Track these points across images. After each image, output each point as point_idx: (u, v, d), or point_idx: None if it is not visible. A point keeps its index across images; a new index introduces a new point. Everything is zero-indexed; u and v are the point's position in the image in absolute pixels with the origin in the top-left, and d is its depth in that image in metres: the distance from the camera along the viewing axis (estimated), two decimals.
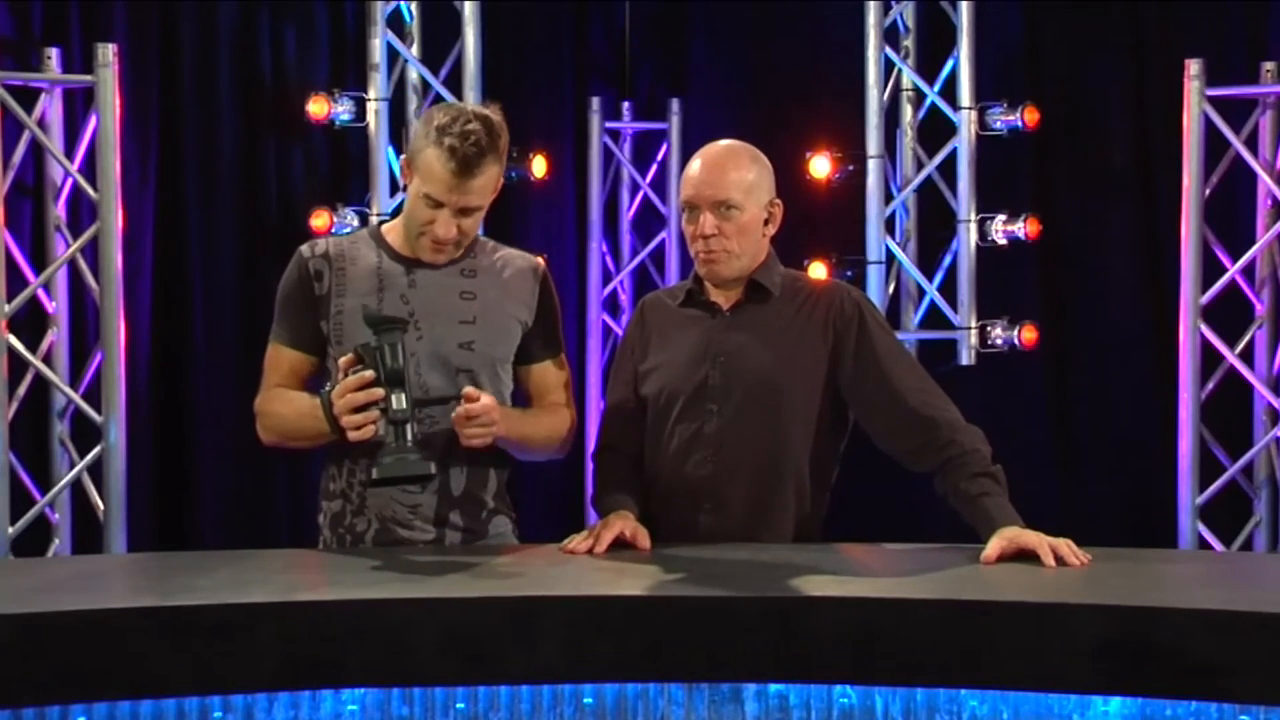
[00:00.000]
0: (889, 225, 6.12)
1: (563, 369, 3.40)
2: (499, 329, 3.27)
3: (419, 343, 3.19)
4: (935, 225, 6.17)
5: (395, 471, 3.01)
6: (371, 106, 5.81)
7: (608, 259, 6.60)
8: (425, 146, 3.15)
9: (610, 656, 2.62)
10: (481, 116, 3.17)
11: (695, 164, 3.30)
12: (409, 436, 3.00)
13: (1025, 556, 2.96)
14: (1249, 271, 5.64)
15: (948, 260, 6.12)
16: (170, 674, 2.54)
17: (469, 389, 3.14)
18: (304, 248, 3.31)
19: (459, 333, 3.23)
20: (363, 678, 2.61)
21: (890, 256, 6.10)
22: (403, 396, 3.00)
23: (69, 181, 5.40)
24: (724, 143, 3.35)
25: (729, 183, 3.25)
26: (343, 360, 3.07)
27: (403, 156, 3.28)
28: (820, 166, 6.02)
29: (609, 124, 6.53)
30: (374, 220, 5.67)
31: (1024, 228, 5.92)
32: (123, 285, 5.32)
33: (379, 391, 2.99)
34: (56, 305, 5.43)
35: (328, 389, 3.08)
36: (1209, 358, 5.62)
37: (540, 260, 3.41)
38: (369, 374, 3.00)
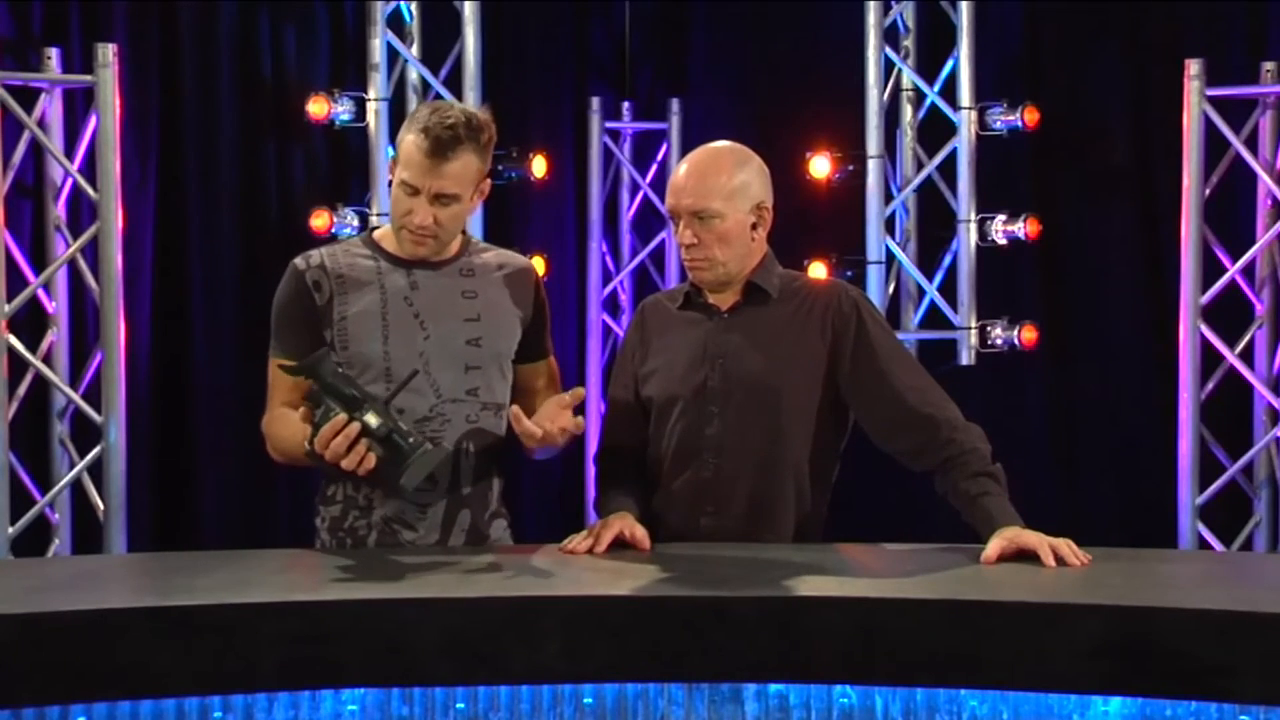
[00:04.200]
0: (889, 225, 6.11)
1: (555, 370, 3.42)
2: (502, 325, 3.29)
3: (426, 342, 3.20)
4: (935, 225, 6.16)
5: (420, 475, 3.01)
6: (371, 106, 5.80)
7: (608, 259, 6.59)
8: (405, 136, 3.18)
9: (610, 656, 2.62)
10: (466, 111, 3.20)
11: (678, 171, 3.30)
12: (405, 439, 2.98)
13: (1025, 556, 2.96)
14: (1249, 271, 5.64)
15: (948, 260, 6.11)
16: (170, 674, 2.54)
17: (514, 410, 3.13)
18: (298, 260, 3.29)
19: (465, 330, 3.24)
20: (363, 678, 2.61)
21: (890, 256, 6.09)
22: (371, 412, 2.97)
23: (69, 181, 5.40)
24: (710, 147, 3.34)
25: (706, 191, 3.22)
26: (300, 414, 3.04)
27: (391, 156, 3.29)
28: (820, 166, 6.02)
29: (609, 124, 6.52)
30: (374, 219, 5.67)
31: (1024, 228, 5.92)
32: (123, 285, 5.32)
33: (354, 428, 2.95)
34: (56, 305, 5.43)
35: (309, 446, 3.03)
36: (1209, 358, 5.62)
37: (530, 262, 3.45)
38: (340, 419, 2.96)
